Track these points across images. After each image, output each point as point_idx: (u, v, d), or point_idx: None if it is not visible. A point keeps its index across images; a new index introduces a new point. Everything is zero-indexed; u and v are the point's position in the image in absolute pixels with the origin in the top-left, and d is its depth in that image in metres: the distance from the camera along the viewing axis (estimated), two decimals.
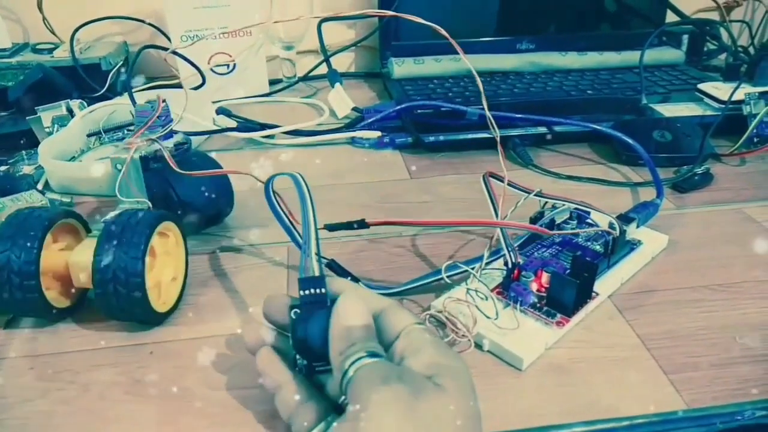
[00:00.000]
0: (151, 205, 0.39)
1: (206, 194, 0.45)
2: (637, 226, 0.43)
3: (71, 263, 0.36)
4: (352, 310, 0.27)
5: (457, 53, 0.79)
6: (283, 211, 0.39)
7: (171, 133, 0.43)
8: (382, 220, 0.40)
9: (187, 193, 0.44)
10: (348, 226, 0.40)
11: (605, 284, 0.39)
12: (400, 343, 0.27)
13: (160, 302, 0.37)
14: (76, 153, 0.60)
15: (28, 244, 0.34)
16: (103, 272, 0.34)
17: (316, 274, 0.29)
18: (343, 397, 0.26)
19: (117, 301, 0.34)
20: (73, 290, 0.37)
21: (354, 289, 0.30)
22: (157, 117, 0.41)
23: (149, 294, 0.35)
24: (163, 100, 0.42)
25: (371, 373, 0.25)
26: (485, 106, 0.41)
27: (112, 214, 0.36)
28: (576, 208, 0.44)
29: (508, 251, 0.37)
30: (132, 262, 0.34)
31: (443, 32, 0.39)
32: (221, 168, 0.46)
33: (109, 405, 0.32)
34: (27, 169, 0.57)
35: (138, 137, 0.40)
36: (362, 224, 0.40)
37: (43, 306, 0.36)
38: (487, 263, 0.38)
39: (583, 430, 0.30)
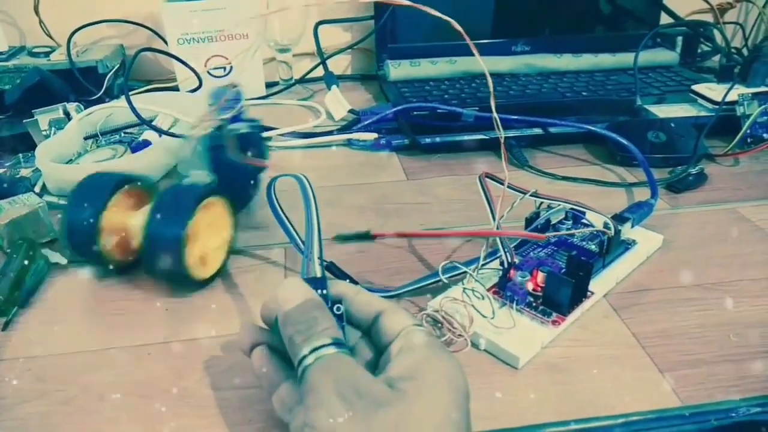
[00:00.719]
0: (210, 179, 0.42)
1: (248, 181, 0.48)
2: (632, 226, 0.44)
3: (128, 225, 0.40)
4: (288, 292, 0.27)
5: (453, 55, 0.79)
6: (284, 213, 0.39)
7: (239, 118, 0.45)
8: (391, 232, 0.42)
9: (235, 175, 0.45)
10: (358, 237, 0.42)
11: (600, 283, 0.39)
12: (396, 344, 0.28)
13: (203, 269, 0.40)
14: (73, 156, 0.60)
15: (94, 204, 0.39)
16: (150, 237, 0.37)
17: (318, 275, 0.29)
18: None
19: (160, 263, 0.37)
20: (130, 249, 0.41)
21: (355, 292, 0.30)
22: (227, 100, 0.45)
23: (190, 260, 0.37)
24: (235, 86, 0.46)
25: (328, 372, 0.24)
26: (493, 107, 0.41)
27: (168, 185, 0.41)
28: (571, 209, 0.44)
29: (504, 251, 0.37)
30: (175, 229, 0.37)
31: (458, 27, 0.39)
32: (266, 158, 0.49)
33: (107, 406, 0.32)
34: (24, 171, 0.57)
35: (210, 117, 0.43)
36: (367, 236, 0.42)
37: (102, 260, 0.40)
38: (484, 264, 0.38)
39: (579, 428, 0.30)
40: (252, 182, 0.48)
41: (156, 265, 0.38)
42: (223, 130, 0.42)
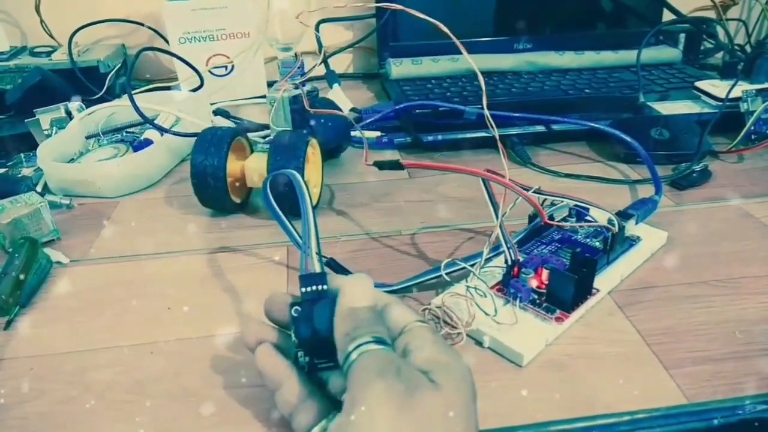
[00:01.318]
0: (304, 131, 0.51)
1: (330, 129, 0.57)
2: (636, 223, 0.44)
3: (248, 168, 0.49)
4: (359, 291, 0.28)
5: (455, 54, 0.79)
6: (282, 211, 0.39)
7: (304, 83, 0.54)
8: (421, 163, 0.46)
9: (317, 127, 0.55)
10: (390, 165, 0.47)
11: (605, 280, 0.39)
12: (402, 340, 0.28)
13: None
14: (74, 155, 0.60)
15: (218, 154, 0.47)
16: (274, 173, 0.41)
17: (317, 270, 0.29)
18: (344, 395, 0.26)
19: (285, 194, 0.43)
20: (245, 190, 0.51)
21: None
22: (297, 69, 0.56)
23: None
24: (301, 57, 0.59)
25: (371, 362, 0.25)
26: (485, 105, 0.41)
27: (271, 136, 0.50)
28: (575, 205, 0.44)
29: (508, 248, 0.37)
30: (296, 166, 0.45)
31: (444, 28, 0.39)
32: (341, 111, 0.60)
33: (108, 405, 0.32)
34: (26, 171, 0.57)
35: (285, 83, 0.52)
36: (398, 165, 0.46)
37: (227, 200, 0.49)
38: (487, 260, 0.38)
39: (584, 425, 0.30)
40: (334, 132, 0.57)
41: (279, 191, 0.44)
42: (299, 93, 0.51)
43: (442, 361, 0.26)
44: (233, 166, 0.49)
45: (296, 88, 0.52)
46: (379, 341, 0.26)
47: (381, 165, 0.48)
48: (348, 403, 0.24)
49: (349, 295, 0.28)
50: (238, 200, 0.50)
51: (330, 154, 0.59)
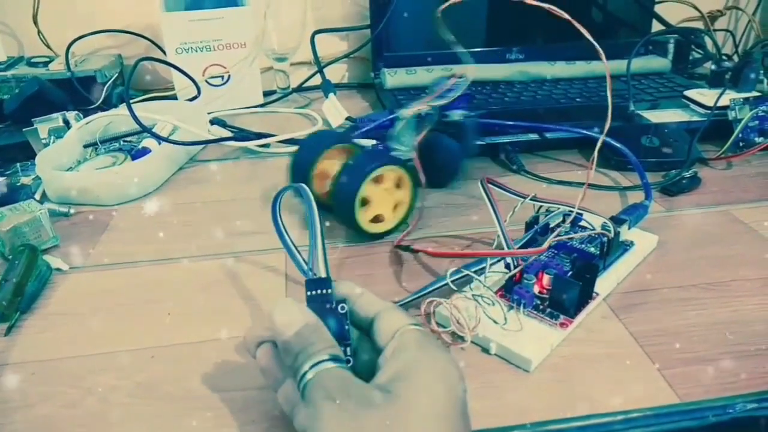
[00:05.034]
0: (411, 154, 0.48)
1: (449, 162, 0.54)
2: (629, 228, 0.44)
3: (328, 170, 0.49)
4: (285, 316, 0.28)
5: (448, 63, 0.79)
6: (284, 227, 0.38)
7: (459, 104, 0.51)
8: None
9: (438, 155, 0.52)
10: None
11: (602, 285, 0.40)
12: (391, 345, 0.28)
13: (377, 225, 0.47)
14: (72, 164, 0.60)
15: (312, 153, 0.49)
16: (337, 184, 0.44)
17: (323, 275, 0.30)
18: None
19: (339, 206, 0.45)
20: (325, 189, 0.49)
21: (359, 293, 0.31)
22: (446, 89, 0.51)
23: (360, 211, 0.45)
24: (461, 76, 0.52)
25: (323, 383, 0.26)
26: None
27: (371, 147, 0.52)
28: (570, 211, 0.44)
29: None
30: (355, 182, 0.44)
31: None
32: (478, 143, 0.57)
33: (111, 408, 0.32)
34: (25, 179, 0.58)
35: (426, 102, 0.49)
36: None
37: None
38: (491, 265, 0.39)
39: (580, 425, 0.31)
40: (454, 165, 0.54)
41: (334, 209, 0.46)
42: (433, 114, 0.49)
43: (416, 365, 0.26)
44: (325, 166, 0.49)
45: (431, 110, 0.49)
46: (334, 359, 0.26)
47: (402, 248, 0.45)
48: (307, 424, 0.25)
49: (279, 327, 0.28)
50: (322, 200, 0.49)
51: (442, 183, 0.55)
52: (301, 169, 0.49)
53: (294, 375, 0.27)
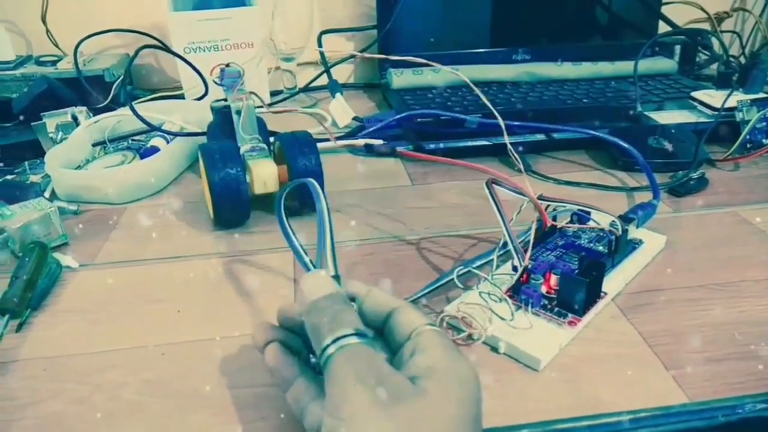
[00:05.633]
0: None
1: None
2: (637, 227, 0.44)
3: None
4: (314, 285, 0.28)
5: (456, 63, 0.80)
6: (290, 225, 0.38)
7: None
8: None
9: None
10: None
11: (611, 284, 0.40)
12: (410, 343, 0.28)
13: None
14: (81, 162, 0.61)
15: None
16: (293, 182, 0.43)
17: (332, 273, 0.29)
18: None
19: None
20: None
21: (368, 291, 0.30)
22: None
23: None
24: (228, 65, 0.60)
25: (351, 362, 0.25)
26: (498, 116, 0.41)
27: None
28: (579, 209, 0.44)
29: (517, 255, 0.37)
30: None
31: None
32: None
33: (121, 405, 0.32)
34: (34, 177, 0.58)
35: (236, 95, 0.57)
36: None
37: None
38: (497, 265, 0.39)
39: (589, 424, 0.31)
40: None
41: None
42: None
43: (441, 366, 0.26)
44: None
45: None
46: (359, 334, 0.26)
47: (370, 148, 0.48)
48: (331, 406, 0.24)
49: (307, 290, 0.28)
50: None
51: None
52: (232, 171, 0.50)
53: (317, 344, 0.26)
